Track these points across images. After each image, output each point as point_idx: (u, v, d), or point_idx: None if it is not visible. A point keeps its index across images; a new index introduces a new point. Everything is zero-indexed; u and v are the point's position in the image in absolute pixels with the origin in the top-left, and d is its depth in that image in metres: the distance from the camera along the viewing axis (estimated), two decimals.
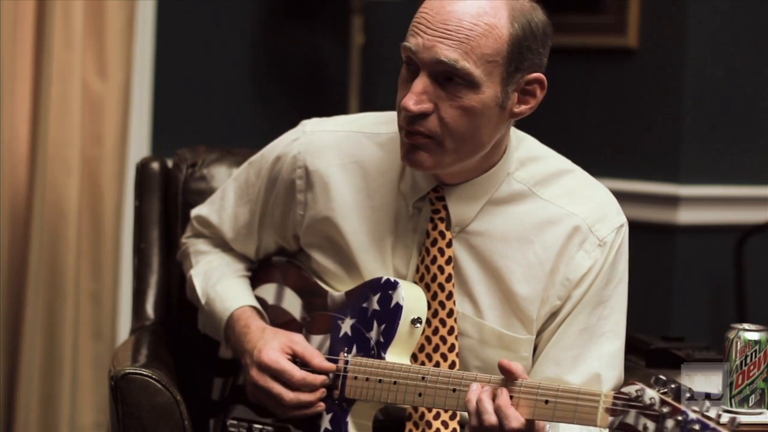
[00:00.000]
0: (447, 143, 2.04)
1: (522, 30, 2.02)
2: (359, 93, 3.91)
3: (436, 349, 2.15)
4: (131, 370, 2.22)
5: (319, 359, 2.15)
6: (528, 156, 2.18)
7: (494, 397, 1.95)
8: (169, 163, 2.70)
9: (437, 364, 2.13)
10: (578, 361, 2.12)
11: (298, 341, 2.18)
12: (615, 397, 1.85)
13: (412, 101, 2.02)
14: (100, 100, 3.58)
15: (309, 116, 2.34)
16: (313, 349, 2.17)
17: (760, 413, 2.18)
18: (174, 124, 3.82)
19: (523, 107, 2.08)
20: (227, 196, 2.38)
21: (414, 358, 2.15)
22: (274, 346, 2.16)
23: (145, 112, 3.76)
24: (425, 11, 2.03)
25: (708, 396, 1.81)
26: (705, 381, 2.17)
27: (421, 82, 2.02)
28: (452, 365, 2.13)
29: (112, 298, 3.62)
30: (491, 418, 1.93)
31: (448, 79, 2.01)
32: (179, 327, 2.59)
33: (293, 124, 2.33)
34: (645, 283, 3.78)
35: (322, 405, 2.14)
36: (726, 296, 3.91)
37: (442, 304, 2.15)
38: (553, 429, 2.06)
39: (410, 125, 2.04)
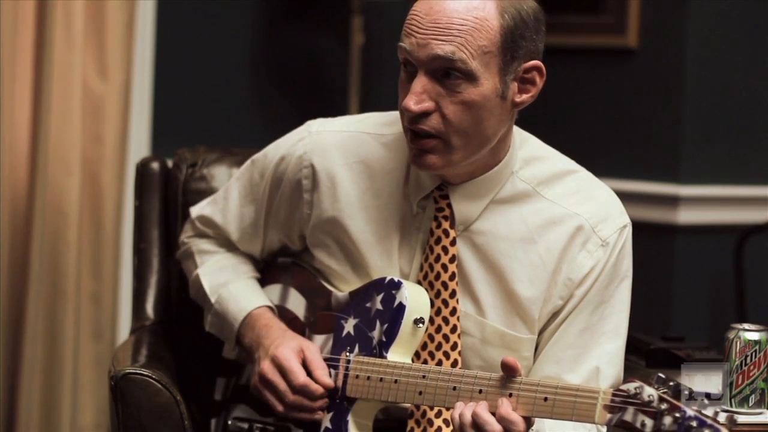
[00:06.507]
0: (453, 140, 2.05)
1: (513, 20, 2.04)
2: (359, 93, 3.91)
3: (438, 347, 2.15)
4: (131, 370, 2.22)
5: (321, 371, 2.15)
6: (532, 155, 2.18)
7: (493, 408, 1.94)
8: (169, 163, 2.70)
9: (439, 363, 2.14)
10: (578, 361, 2.12)
11: (311, 349, 2.18)
12: (614, 394, 1.85)
13: (412, 101, 2.03)
14: (100, 100, 3.58)
15: (309, 116, 2.34)
16: (321, 361, 2.17)
17: (760, 413, 2.18)
18: (174, 124, 3.82)
19: (524, 96, 2.09)
20: (231, 195, 2.38)
21: (417, 356, 2.15)
22: (291, 346, 2.17)
23: (145, 112, 3.76)
24: (416, 13, 2.05)
25: (708, 396, 1.81)
26: (705, 381, 2.17)
27: (420, 82, 2.03)
28: (455, 363, 2.13)
29: (112, 298, 3.62)
30: (495, 427, 1.92)
31: (446, 75, 2.02)
32: (179, 327, 2.59)
33: (293, 124, 2.33)
34: (645, 283, 3.77)
35: (320, 414, 2.14)
36: (726, 296, 3.91)
37: (445, 302, 2.15)
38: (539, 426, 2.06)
39: (413, 124, 2.05)
